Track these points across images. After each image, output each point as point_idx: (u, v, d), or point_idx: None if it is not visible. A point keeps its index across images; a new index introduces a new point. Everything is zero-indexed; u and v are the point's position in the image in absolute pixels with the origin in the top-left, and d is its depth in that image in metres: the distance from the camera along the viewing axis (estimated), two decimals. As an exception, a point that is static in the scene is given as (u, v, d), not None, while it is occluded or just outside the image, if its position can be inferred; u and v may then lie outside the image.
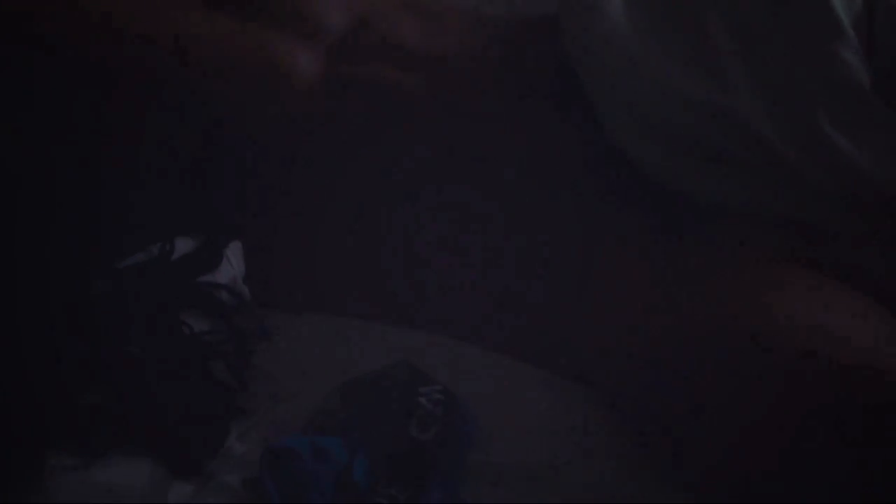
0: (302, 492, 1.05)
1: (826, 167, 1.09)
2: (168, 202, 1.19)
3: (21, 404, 1.09)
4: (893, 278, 1.09)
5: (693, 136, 1.13)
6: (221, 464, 1.10)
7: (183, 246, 1.19)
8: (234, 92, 1.20)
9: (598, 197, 1.18)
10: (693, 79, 1.13)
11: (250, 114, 1.21)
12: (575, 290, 1.16)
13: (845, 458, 0.99)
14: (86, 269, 1.15)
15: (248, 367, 1.16)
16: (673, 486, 1.06)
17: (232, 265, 1.19)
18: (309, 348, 1.18)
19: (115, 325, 1.14)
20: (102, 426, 1.10)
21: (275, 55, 1.22)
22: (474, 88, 1.22)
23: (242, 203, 1.22)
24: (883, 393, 0.98)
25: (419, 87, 1.22)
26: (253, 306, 1.18)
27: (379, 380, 1.11)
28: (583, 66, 1.19)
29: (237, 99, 1.21)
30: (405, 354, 1.14)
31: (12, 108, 1.16)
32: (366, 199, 1.21)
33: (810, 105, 1.09)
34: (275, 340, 1.18)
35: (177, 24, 1.20)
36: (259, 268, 1.20)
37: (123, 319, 1.14)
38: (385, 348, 1.16)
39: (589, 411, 1.12)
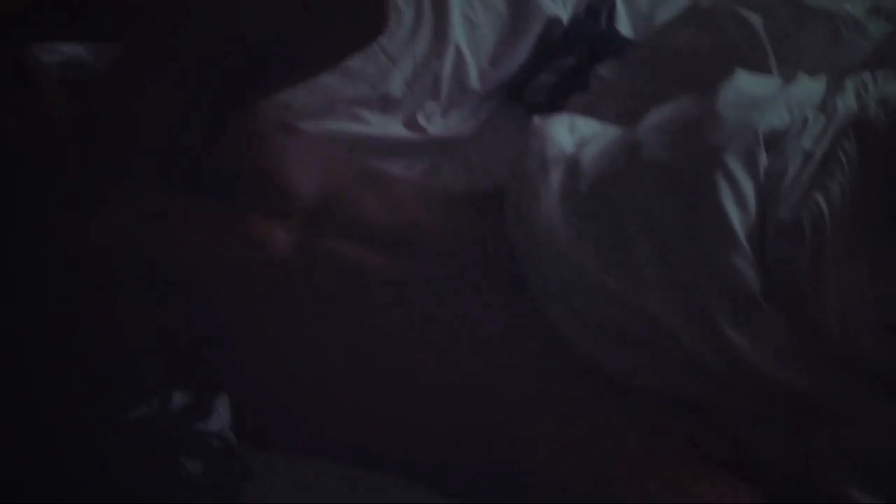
0: None
1: (722, 358, 1.28)
2: (167, 364, 1.38)
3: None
4: (775, 456, 1.29)
5: (609, 319, 1.32)
6: None
7: (178, 399, 1.38)
8: (220, 266, 1.39)
9: (530, 356, 1.36)
10: (613, 275, 1.31)
11: (236, 283, 1.39)
12: (512, 437, 1.34)
13: None
14: (102, 421, 1.35)
15: (236, 506, 1.36)
16: None
17: (221, 415, 1.38)
18: (288, 489, 1.35)
19: (128, 468, 1.33)
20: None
21: (254, 232, 1.40)
22: (427, 258, 1.40)
23: (232, 359, 1.39)
24: None
25: (376, 262, 1.39)
26: (238, 451, 1.37)
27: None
28: (520, 245, 1.37)
29: (224, 272, 1.39)
30: (371, 496, 1.33)
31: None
32: (339, 355, 1.37)
33: (710, 305, 1.28)
34: (257, 481, 1.35)
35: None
36: (245, 415, 1.37)
37: (134, 463, 1.34)
38: (354, 490, 1.34)
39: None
